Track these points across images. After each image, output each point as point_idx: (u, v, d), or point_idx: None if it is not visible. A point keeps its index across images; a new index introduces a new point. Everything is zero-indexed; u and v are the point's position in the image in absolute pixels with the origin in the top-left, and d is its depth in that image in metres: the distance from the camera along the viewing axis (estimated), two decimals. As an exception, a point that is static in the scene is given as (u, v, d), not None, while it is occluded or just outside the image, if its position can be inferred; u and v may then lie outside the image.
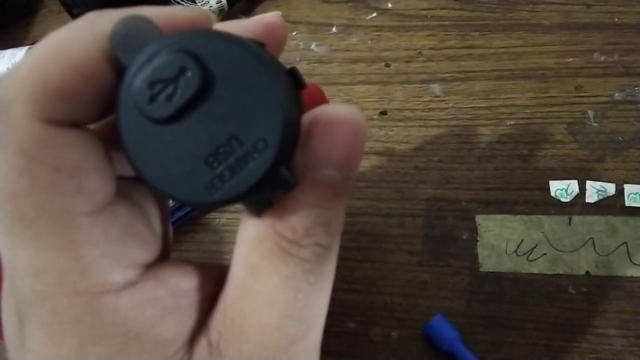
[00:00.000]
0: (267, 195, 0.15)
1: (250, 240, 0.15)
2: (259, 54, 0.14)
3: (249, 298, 0.15)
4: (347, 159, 0.15)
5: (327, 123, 0.15)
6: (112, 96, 0.14)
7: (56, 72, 0.13)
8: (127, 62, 0.14)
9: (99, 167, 0.14)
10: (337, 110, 0.15)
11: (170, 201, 0.35)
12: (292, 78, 0.15)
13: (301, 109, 0.15)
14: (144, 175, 0.14)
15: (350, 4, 0.48)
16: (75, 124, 0.14)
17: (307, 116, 0.15)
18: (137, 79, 0.13)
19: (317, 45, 0.46)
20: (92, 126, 0.15)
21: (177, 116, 0.13)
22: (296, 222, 0.15)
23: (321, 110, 0.15)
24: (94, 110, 0.14)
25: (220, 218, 0.39)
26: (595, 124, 0.40)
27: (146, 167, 0.14)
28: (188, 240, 0.39)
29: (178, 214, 0.37)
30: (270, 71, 0.13)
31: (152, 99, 0.13)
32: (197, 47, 0.13)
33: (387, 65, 0.44)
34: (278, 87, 0.13)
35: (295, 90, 0.15)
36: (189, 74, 0.13)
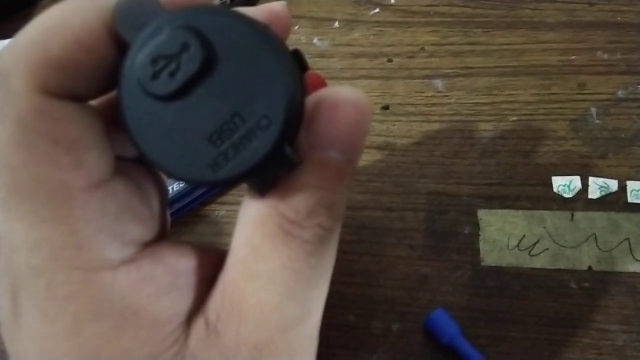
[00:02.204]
0: (271, 173, 0.15)
1: (252, 220, 0.15)
2: (263, 31, 0.13)
3: (249, 278, 0.15)
4: (351, 140, 0.15)
5: (332, 104, 0.15)
6: (113, 73, 0.14)
7: (57, 43, 0.13)
8: (129, 39, 0.13)
9: (97, 142, 0.14)
10: (342, 91, 0.15)
11: (170, 191, 0.35)
12: (296, 59, 0.15)
13: (304, 89, 0.15)
14: (146, 153, 0.14)
15: (352, -1, 0.48)
16: (74, 98, 0.14)
17: (312, 97, 0.15)
18: (140, 55, 0.13)
19: (320, 39, 0.46)
20: (93, 103, 0.15)
21: (180, 93, 0.13)
22: (298, 202, 0.15)
23: (326, 92, 0.15)
24: (94, 85, 0.14)
25: (220, 210, 0.39)
26: (598, 121, 0.40)
27: (148, 145, 0.14)
28: (187, 232, 0.39)
29: (177, 205, 0.37)
30: (274, 48, 0.13)
31: (155, 75, 0.13)
32: (200, 24, 0.13)
33: (390, 61, 0.44)
34: (282, 64, 0.13)
35: (298, 70, 0.15)
36: (191, 50, 0.13)
